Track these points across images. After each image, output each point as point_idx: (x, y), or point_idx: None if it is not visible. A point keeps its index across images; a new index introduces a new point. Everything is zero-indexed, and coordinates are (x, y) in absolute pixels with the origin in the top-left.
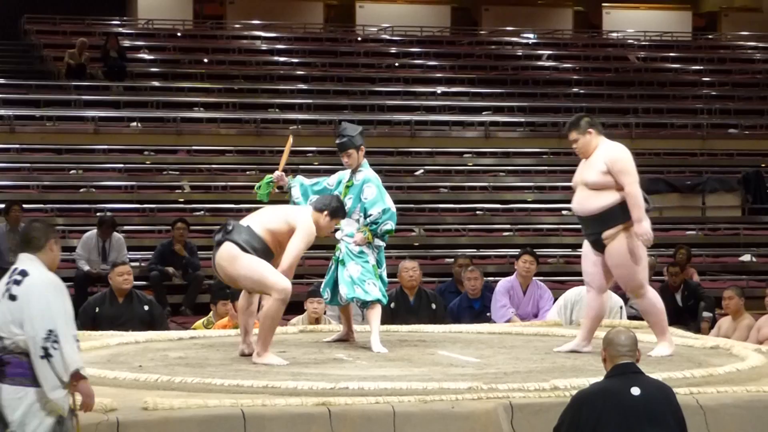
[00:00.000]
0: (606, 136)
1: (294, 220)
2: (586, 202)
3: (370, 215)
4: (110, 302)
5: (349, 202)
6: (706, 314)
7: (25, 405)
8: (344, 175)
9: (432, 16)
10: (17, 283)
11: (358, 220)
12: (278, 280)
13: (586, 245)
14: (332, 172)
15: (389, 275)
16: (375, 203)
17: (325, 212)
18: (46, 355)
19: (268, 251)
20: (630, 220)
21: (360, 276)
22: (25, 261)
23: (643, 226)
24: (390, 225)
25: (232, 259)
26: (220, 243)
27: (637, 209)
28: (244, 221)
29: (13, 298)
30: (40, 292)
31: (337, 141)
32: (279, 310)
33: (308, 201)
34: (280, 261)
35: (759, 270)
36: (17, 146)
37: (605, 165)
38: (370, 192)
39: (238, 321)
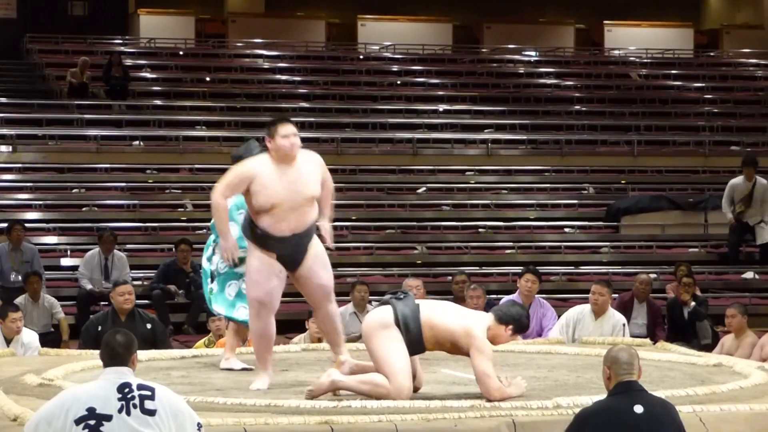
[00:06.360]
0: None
1: (471, 327)
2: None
3: None
4: (112, 321)
5: None
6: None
7: None
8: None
9: (434, 35)
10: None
11: None
12: (400, 377)
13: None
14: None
15: None
16: None
17: (510, 326)
18: None
19: (419, 341)
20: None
21: None
22: None
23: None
24: None
25: (378, 322)
26: (384, 303)
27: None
28: (421, 301)
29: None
30: None
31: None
32: (384, 395)
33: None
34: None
35: (762, 287)
36: (19, 165)
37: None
38: None
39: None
